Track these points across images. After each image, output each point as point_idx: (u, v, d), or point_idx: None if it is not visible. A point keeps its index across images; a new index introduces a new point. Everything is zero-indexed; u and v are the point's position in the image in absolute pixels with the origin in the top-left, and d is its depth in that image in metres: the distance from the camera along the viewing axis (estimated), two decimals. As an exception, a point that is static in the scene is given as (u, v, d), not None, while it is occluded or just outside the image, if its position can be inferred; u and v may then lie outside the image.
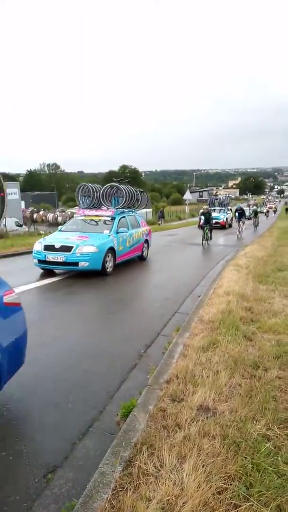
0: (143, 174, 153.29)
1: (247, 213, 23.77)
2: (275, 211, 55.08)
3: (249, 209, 30.37)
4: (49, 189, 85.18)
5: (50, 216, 40.52)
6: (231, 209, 28.81)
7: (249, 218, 24.56)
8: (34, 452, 2.41)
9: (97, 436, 2.58)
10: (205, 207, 16.38)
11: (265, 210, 56.20)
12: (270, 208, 52.81)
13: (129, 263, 9.99)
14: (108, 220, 9.61)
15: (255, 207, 32.27)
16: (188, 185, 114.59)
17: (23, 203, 43.09)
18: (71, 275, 8.29)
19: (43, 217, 41.19)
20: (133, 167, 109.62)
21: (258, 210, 30.40)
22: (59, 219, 36.36)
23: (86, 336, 4.62)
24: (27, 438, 2.57)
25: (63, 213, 40.38)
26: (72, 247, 8.01)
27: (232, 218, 26.16)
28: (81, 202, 10.74)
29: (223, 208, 28.39)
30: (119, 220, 9.70)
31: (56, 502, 2.00)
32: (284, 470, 2.03)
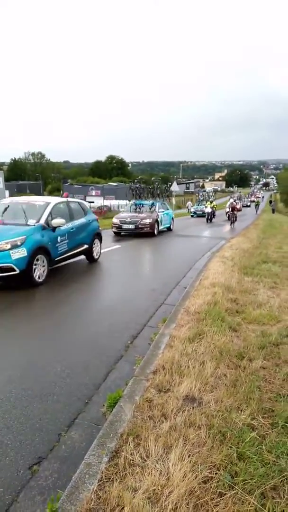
0: (129, 165, 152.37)
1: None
2: (257, 205, 41.18)
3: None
4: (34, 178, 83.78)
5: (35, 206, 39.66)
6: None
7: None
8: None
9: (83, 428, 2.56)
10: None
11: (227, 210, 23.49)
12: (234, 209, 21.41)
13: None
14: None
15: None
16: (175, 176, 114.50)
17: (7, 193, 42.32)
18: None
19: (28, 207, 40.39)
20: (120, 158, 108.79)
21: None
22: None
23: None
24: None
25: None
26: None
27: None
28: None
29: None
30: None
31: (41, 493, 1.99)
32: (268, 458, 2.07)
